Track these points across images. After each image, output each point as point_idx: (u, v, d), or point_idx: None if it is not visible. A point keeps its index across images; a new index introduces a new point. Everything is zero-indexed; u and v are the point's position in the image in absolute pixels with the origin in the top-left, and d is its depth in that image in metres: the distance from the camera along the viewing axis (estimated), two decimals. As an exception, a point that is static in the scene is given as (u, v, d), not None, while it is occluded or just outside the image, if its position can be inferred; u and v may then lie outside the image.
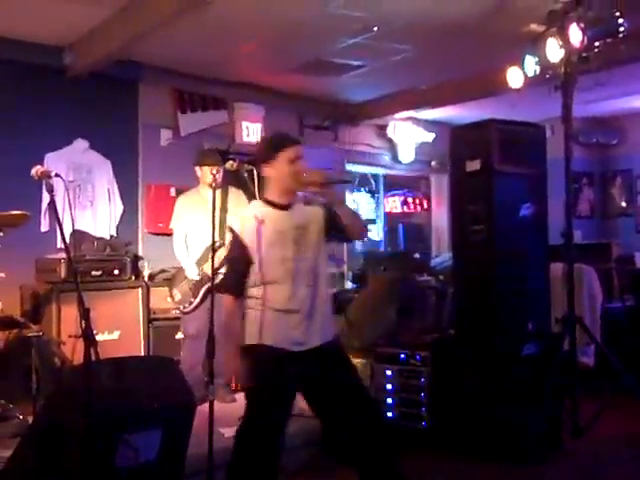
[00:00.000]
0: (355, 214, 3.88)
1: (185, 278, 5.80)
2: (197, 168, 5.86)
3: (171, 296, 5.90)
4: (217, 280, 5.48)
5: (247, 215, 3.73)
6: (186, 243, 5.84)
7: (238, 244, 3.64)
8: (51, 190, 3.35)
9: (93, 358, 2.97)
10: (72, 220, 6.25)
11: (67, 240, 3.47)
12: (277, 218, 3.66)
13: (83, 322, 2.98)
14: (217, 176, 4.76)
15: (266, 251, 3.58)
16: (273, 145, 3.77)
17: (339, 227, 3.70)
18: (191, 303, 5.75)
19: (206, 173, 5.71)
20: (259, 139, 8.25)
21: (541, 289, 5.51)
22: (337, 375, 3.69)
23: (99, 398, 2.96)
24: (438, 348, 5.58)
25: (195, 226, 5.76)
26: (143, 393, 3.19)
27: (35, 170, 3.38)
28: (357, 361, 5.77)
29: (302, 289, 3.62)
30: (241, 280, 3.63)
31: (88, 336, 2.95)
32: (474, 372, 5.24)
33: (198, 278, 5.73)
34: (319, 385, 3.67)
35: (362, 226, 4.01)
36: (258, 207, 3.77)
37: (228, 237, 3.87)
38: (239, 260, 3.64)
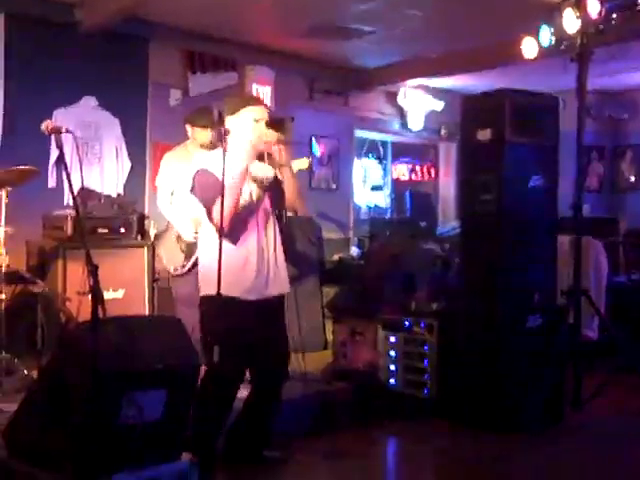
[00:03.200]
0: (295, 186, 4.16)
1: (177, 237, 5.63)
2: (188, 126, 5.70)
3: (157, 256, 5.85)
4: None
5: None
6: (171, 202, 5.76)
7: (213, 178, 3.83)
8: (61, 146, 3.33)
9: (100, 315, 2.97)
10: (80, 177, 6.22)
11: (72, 192, 3.42)
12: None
13: (91, 279, 2.98)
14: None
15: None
16: (241, 101, 4.17)
17: (279, 194, 4.12)
18: (184, 266, 5.60)
19: (198, 132, 5.61)
20: (268, 100, 8.22)
21: (548, 261, 5.48)
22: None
23: (104, 356, 2.96)
24: (443, 317, 5.59)
25: (183, 184, 5.67)
26: (149, 352, 3.19)
27: (45, 125, 3.35)
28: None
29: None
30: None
31: (96, 293, 2.95)
32: (478, 342, 5.25)
33: (193, 239, 5.62)
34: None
35: (297, 202, 4.26)
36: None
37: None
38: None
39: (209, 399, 3.84)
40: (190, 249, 5.59)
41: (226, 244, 3.75)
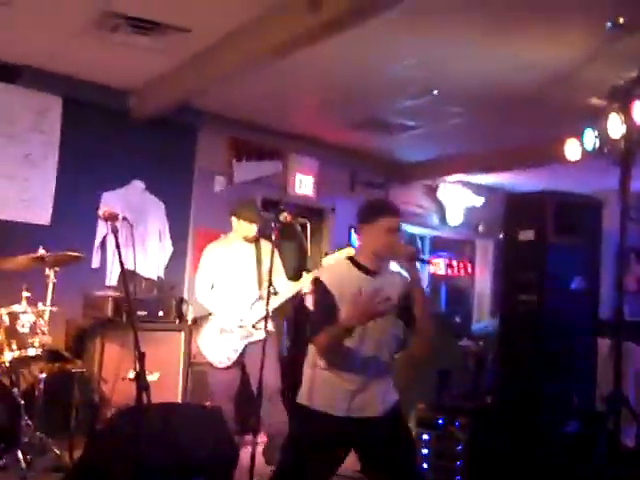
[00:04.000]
0: (428, 307, 3.77)
1: (220, 330, 5.69)
2: (233, 218, 5.78)
3: (197, 345, 5.86)
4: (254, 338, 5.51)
5: (335, 271, 3.78)
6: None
7: (326, 293, 3.55)
8: (116, 232, 3.41)
9: (144, 401, 2.98)
10: (128, 260, 6.29)
11: (122, 280, 3.49)
12: (362, 282, 3.61)
13: (138, 365, 3.00)
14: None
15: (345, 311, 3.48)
16: (376, 209, 3.77)
17: (410, 313, 3.66)
18: (229, 359, 5.66)
19: (242, 225, 5.71)
20: (310, 190, 8.34)
21: (588, 365, 5.43)
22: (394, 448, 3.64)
23: (146, 444, 2.96)
24: (478, 416, 5.51)
25: (224, 278, 5.72)
26: (190, 443, 3.18)
27: (103, 211, 3.45)
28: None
29: (369, 355, 3.59)
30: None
31: (142, 380, 2.96)
32: (513, 444, 5.16)
33: (240, 327, 5.66)
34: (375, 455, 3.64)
35: (430, 322, 3.76)
36: (344, 266, 3.75)
37: (310, 287, 3.91)
38: (328, 307, 3.53)
39: None
40: (235, 341, 5.63)
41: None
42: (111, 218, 3.41)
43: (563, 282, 5.28)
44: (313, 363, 3.64)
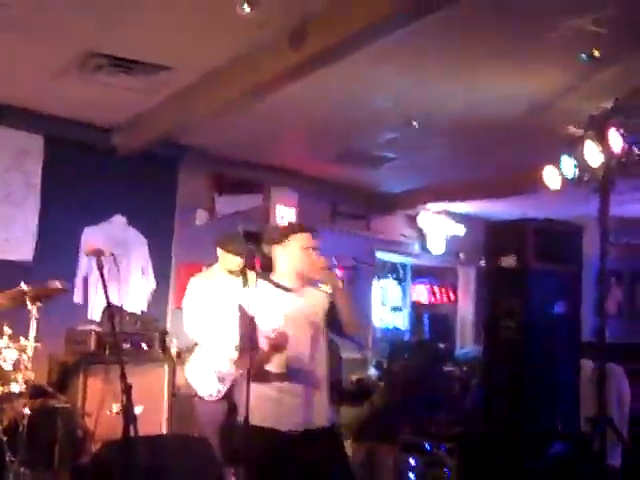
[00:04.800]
0: (352, 306, 3.93)
1: (209, 362, 5.62)
2: (219, 249, 5.73)
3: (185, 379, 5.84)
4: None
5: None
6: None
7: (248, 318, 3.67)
8: (101, 268, 3.42)
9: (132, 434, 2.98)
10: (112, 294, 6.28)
11: (109, 315, 3.50)
12: (284, 301, 3.79)
13: (124, 397, 3.00)
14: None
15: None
16: (289, 228, 4.07)
17: (338, 320, 3.85)
18: (219, 392, 5.56)
19: (228, 258, 5.70)
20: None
21: (571, 387, 5.47)
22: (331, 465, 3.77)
23: (134, 476, 2.96)
24: (464, 441, 5.53)
25: (212, 310, 5.59)
26: (177, 473, 3.18)
27: (88, 248, 3.46)
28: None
29: (301, 372, 3.72)
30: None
31: (129, 412, 2.96)
32: (499, 469, 5.17)
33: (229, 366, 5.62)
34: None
35: (357, 322, 4.01)
36: (266, 288, 3.86)
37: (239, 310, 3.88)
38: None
39: None
40: (225, 374, 5.60)
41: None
42: (96, 254, 3.41)
43: (545, 307, 5.33)
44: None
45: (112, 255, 3.45)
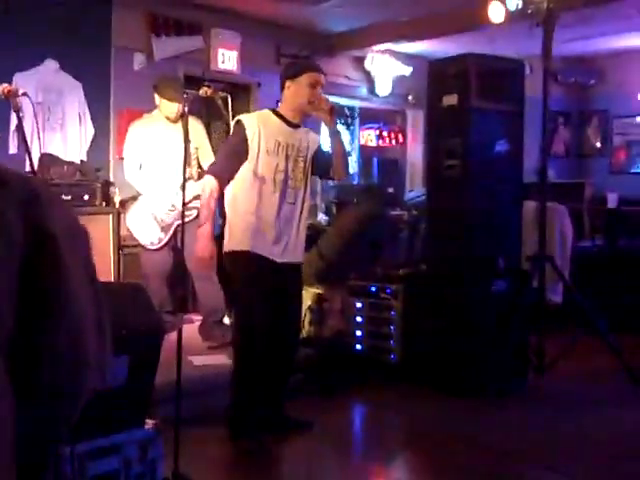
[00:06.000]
0: (345, 152, 4.36)
1: (149, 210, 5.65)
2: (156, 95, 5.63)
3: (127, 228, 5.80)
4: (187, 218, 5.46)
5: (257, 115, 4.19)
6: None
7: (241, 136, 3.98)
8: (18, 110, 3.26)
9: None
10: (40, 143, 6.09)
11: (35, 163, 3.37)
12: (282, 131, 4.07)
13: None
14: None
15: (262, 155, 3.97)
16: (300, 66, 4.29)
17: (326, 164, 4.21)
18: (160, 240, 5.64)
19: (165, 104, 5.55)
20: (234, 65, 8.14)
21: (513, 226, 5.52)
22: (291, 295, 4.26)
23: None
24: (409, 282, 5.61)
25: (151, 158, 5.62)
26: (110, 319, 3.14)
27: (1, 88, 3.28)
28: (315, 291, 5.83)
29: (286, 205, 4.05)
30: (231, 170, 4.01)
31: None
32: (443, 307, 5.28)
33: (171, 211, 5.57)
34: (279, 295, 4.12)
35: (347, 168, 4.38)
36: (268, 115, 4.14)
37: (233, 129, 4.13)
38: (236, 150, 4.00)
39: (245, 360, 4.11)
40: (168, 222, 5.56)
41: (250, 206, 3.97)
42: (11, 95, 3.24)
43: (487, 146, 5.29)
44: (234, 209, 4.06)
45: (25, 94, 3.26)
